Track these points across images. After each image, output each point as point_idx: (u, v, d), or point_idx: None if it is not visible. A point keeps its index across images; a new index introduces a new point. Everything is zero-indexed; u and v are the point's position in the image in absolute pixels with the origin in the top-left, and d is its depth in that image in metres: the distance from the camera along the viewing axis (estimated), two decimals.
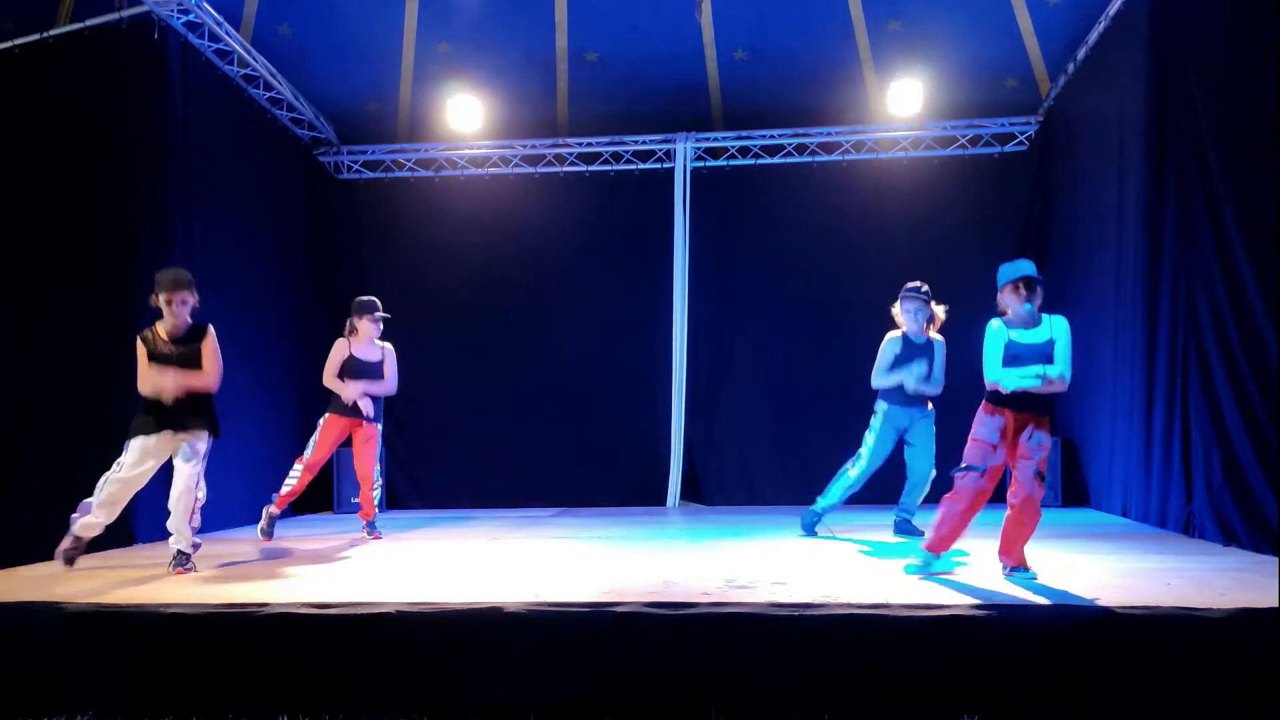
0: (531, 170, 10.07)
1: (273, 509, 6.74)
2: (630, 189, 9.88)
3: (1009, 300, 4.57)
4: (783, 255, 9.73)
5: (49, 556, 5.33)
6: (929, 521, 4.78)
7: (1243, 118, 5.51)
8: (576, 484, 9.62)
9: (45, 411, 6.82)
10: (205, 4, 7.43)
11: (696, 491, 9.71)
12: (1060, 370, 4.43)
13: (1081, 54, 8.27)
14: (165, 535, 5.29)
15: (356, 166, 10.15)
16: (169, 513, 5.17)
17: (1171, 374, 6.25)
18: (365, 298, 6.91)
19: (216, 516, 7.28)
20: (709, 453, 9.80)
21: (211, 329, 5.30)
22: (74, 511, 5.29)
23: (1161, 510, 6.45)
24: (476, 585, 4.54)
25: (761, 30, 9.17)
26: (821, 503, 6.58)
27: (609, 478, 9.66)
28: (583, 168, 10.00)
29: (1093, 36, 7.97)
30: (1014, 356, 4.49)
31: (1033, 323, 4.53)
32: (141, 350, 5.22)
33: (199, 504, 5.27)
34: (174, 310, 5.18)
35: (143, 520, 6.52)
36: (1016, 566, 4.48)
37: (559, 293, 9.84)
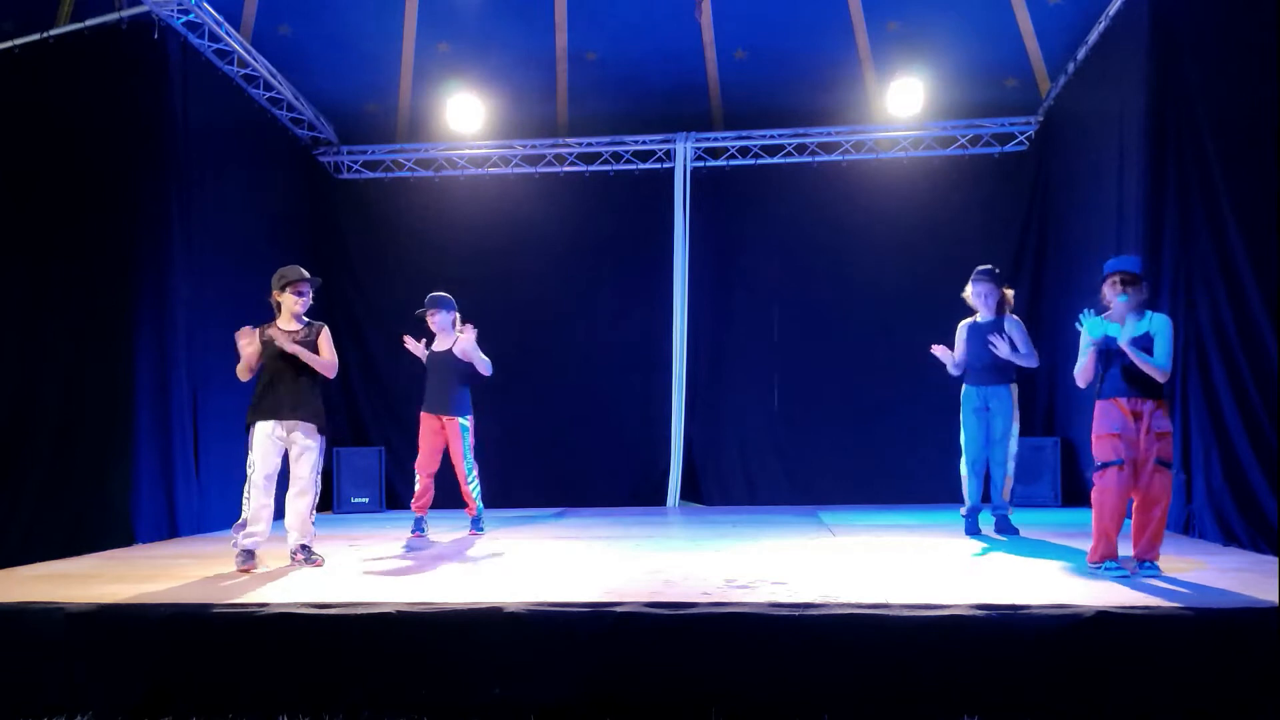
0: (532, 170, 10.07)
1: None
2: (630, 189, 9.87)
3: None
4: (783, 254, 9.74)
5: (49, 556, 5.32)
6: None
7: (1243, 118, 5.50)
8: (576, 484, 9.61)
9: (45, 412, 6.82)
10: (205, 4, 7.43)
11: (696, 491, 9.71)
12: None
13: (1081, 54, 8.26)
14: (164, 535, 5.30)
15: (356, 166, 10.15)
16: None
17: (1171, 374, 6.23)
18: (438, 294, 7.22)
19: (216, 516, 7.28)
20: (709, 453, 9.80)
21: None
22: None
23: None
24: (476, 585, 4.54)
25: (761, 30, 9.17)
26: (966, 506, 6.39)
27: (609, 478, 9.66)
28: (583, 168, 9.99)
29: (1093, 36, 7.97)
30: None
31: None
32: None
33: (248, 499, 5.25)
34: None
35: (143, 520, 6.53)
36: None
37: (559, 292, 9.83)
